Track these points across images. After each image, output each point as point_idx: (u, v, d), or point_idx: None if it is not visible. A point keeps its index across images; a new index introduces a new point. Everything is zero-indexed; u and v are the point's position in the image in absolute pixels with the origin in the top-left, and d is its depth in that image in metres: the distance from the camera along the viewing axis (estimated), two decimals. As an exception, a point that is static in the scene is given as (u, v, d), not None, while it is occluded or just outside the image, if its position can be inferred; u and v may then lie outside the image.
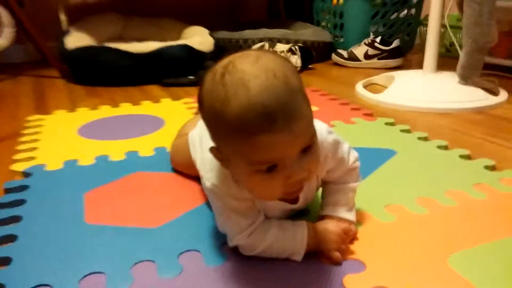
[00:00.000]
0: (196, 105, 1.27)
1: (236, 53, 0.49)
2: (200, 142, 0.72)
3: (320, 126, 0.58)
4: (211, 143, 0.53)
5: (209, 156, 0.57)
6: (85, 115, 1.26)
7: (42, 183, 0.83)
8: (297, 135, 0.45)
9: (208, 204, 0.73)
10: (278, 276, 0.55)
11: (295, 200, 0.59)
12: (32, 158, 0.95)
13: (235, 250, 0.58)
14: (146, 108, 1.31)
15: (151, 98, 1.42)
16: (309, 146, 0.48)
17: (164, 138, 1.03)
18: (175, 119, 1.18)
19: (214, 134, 0.51)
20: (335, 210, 0.61)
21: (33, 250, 0.62)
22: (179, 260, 0.58)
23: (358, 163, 0.63)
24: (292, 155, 0.47)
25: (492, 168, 0.84)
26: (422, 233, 0.63)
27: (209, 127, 0.51)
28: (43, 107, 1.37)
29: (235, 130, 0.45)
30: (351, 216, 0.62)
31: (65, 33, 1.73)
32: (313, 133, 0.49)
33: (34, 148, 1.01)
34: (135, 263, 0.58)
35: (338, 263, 0.56)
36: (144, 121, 1.19)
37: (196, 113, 1.02)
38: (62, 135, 1.10)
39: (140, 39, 1.79)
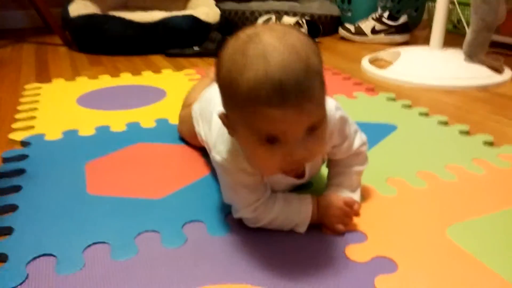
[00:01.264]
0: (197, 77, 1.27)
1: (264, 25, 0.49)
2: (201, 115, 0.71)
3: (329, 102, 0.57)
4: (216, 113, 0.53)
5: (217, 129, 0.57)
6: (84, 84, 1.24)
7: (42, 153, 0.82)
8: (305, 114, 0.46)
9: (211, 175, 0.73)
10: (281, 247, 0.55)
11: (301, 175, 0.60)
12: (30, 127, 0.94)
13: (239, 221, 0.59)
14: (148, 78, 1.30)
15: (154, 68, 1.41)
16: (316, 127, 0.48)
17: (165, 110, 1.03)
18: (176, 91, 1.17)
19: (225, 100, 0.50)
20: (338, 191, 0.62)
21: (35, 220, 0.62)
22: (183, 230, 0.59)
23: (365, 147, 0.63)
24: (296, 132, 0.47)
25: (490, 144, 0.85)
26: (421, 206, 0.64)
27: (222, 93, 0.50)
28: (44, 75, 1.35)
29: (246, 99, 0.45)
30: (355, 196, 0.62)
31: (69, 0, 1.70)
32: (323, 115, 0.49)
33: (32, 117, 1.00)
34: (139, 233, 0.58)
35: (340, 234, 0.57)
36: (145, 92, 1.18)
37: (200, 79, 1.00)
38: (61, 104, 1.08)
39: (145, 9, 1.76)
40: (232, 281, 0.50)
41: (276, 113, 0.44)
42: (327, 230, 0.58)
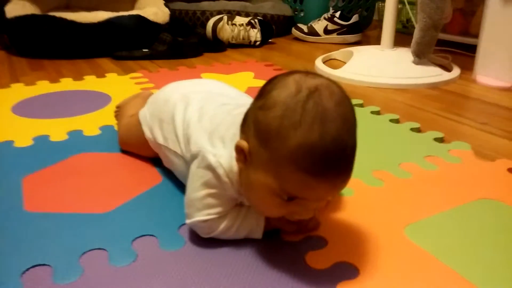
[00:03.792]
0: (145, 80, 1.22)
1: (320, 80, 0.46)
2: (157, 118, 0.68)
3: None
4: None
5: (215, 128, 0.56)
6: (20, 91, 1.16)
7: (-27, 168, 0.75)
8: (339, 189, 0.48)
9: (161, 185, 0.69)
10: (239, 257, 0.53)
11: None
12: (-41, 140, 0.86)
13: (193, 233, 0.56)
14: (91, 83, 1.23)
15: (101, 72, 1.33)
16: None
17: (110, 116, 0.97)
18: (122, 95, 1.10)
19: (261, 141, 0.46)
20: None
21: (-35, 243, 0.55)
22: (133, 246, 0.55)
23: None
24: (321, 201, 0.48)
25: (441, 140, 0.87)
26: (379, 206, 0.64)
27: (259, 129, 0.46)
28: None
29: (291, 157, 0.43)
30: None
31: (5, 0, 1.58)
32: None
33: (-39, 129, 0.91)
34: (84, 253, 0.53)
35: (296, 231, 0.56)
36: (88, 97, 1.11)
37: (135, 97, 0.94)
38: (-6, 114, 1.00)
39: (89, 9, 1.66)
40: (188, 299, 0.47)
41: (315, 183, 0.44)
42: (286, 237, 0.56)
